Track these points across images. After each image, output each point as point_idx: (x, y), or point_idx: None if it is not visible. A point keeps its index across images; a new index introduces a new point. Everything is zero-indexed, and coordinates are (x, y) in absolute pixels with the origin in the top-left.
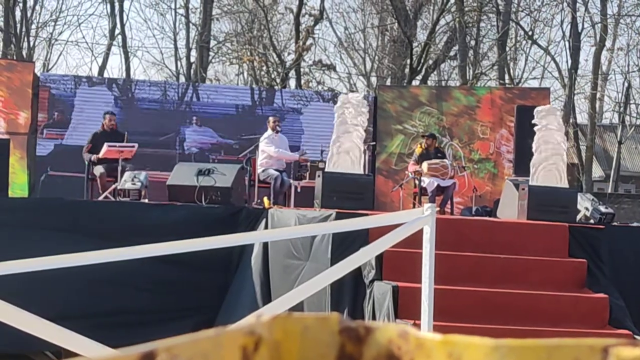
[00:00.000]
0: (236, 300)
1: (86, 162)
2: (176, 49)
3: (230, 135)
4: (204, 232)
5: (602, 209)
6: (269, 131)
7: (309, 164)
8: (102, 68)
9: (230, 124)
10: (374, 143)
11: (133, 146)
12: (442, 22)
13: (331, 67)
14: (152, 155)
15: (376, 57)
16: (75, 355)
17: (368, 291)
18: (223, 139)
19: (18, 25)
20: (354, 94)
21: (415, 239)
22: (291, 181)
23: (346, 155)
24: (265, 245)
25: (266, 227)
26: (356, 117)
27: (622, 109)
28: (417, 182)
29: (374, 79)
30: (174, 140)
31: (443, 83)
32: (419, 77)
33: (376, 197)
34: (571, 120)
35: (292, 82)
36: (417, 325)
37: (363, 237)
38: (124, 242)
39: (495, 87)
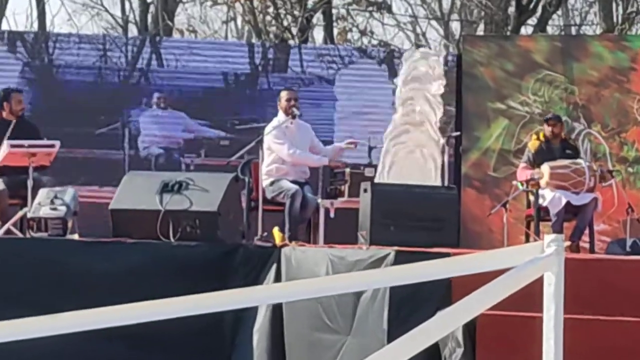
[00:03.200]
0: None
1: None
2: None
3: (215, 123)
4: (173, 288)
5: None
6: (281, 116)
7: (348, 170)
8: None
9: (215, 106)
10: (458, 133)
11: (52, 145)
12: None
13: (383, 7)
14: (85, 160)
15: None
16: None
17: None
18: (203, 131)
19: None
20: (424, 52)
21: (529, 295)
22: (319, 200)
23: (411, 154)
24: (277, 310)
25: (278, 279)
26: (428, 91)
27: None
28: (532, 197)
29: (455, 26)
30: (121, 133)
31: (573, 31)
32: (532, 21)
33: (463, 225)
34: None
35: (319, 34)
36: None
37: (442, 294)
38: (41, 305)
39: None
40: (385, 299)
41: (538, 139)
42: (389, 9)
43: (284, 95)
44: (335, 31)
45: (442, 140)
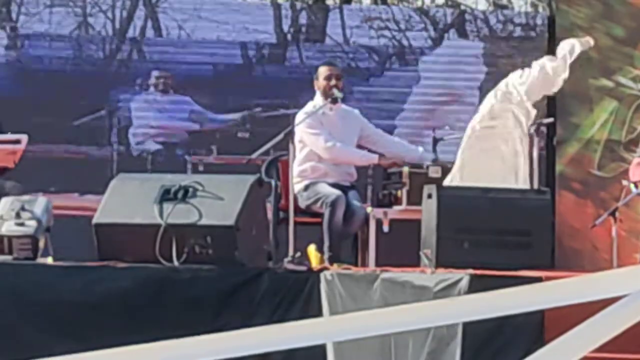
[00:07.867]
0: None
1: None
2: None
3: (231, 110)
4: (177, 325)
5: None
6: (318, 99)
7: (406, 170)
8: None
9: (230, 87)
10: (552, 120)
11: (17, 141)
12: None
13: None
14: (60, 160)
15: None
16: None
17: None
18: (215, 120)
19: None
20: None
21: None
22: (369, 209)
23: (490, 148)
24: (319, 353)
25: (315, 312)
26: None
27: None
28: None
29: None
30: (107, 124)
31: None
32: None
33: (558, 240)
34: None
35: None
36: None
37: (532, 332)
38: (3, 347)
39: None
40: (457, 339)
41: None
42: None
43: (322, 71)
44: None
45: (532, 129)
